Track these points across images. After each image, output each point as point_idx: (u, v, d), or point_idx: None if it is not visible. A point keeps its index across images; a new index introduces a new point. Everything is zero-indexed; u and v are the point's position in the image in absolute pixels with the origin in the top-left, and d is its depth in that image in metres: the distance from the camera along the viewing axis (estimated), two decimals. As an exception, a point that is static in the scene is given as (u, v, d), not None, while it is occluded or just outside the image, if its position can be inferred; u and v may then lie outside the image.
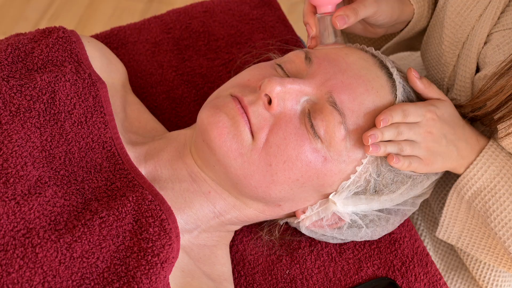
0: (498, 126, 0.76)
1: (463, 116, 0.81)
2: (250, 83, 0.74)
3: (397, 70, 0.77)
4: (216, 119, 0.70)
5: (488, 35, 0.78)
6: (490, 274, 0.93)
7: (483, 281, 0.94)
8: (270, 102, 0.71)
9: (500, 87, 0.71)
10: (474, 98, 0.77)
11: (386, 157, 0.72)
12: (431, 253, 1.01)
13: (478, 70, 0.81)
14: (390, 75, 0.76)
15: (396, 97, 0.74)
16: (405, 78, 0.78)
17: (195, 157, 0.76)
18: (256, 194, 0.73)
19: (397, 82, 0.75)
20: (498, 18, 0.77)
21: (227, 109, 0.71)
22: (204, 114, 0.72)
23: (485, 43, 0.78)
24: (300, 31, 1.86)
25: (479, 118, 0.79)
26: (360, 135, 0.71)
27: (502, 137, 0.76)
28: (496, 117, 0.75)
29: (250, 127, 0.71)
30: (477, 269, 0.94)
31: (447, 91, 0.88)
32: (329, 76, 0.72)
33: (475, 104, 0.77)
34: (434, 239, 1.01)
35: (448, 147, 0.75)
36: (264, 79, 0.71)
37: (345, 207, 0.75)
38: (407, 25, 0.90)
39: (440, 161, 0.75)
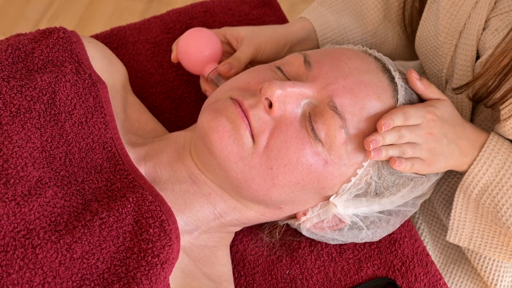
0: (500, 107, 0.76)
1: (468, 99, 0.81)
2: (250, 86, 0.74)
3: (399, 73, 0.77)
4: (217, 123, 0.70)
5: (486, 21, 0.78)
6: (492, 264, 0.93)
7: (485, 272, 0.93)
8: (270, 105, 0.70)
9: (499, 54, 0.71)
10: (474, 76, 0.77)
11: (387, 160, 0.72)
12: (429, 247, 1.01)
13: (477, 57, 0.81)
14: (392, 78, 0.75)
15: (397, 101, 0.74)
16: (407, 80, 0.78)
17: (195, 159, 0.76)
18: (257, 197, 0.73)
19: (398, 86, 0.75)
20: (495, 3, 0.77)
21: (227, 112, 0.71)
22: (204, 118, 0.72)
23: (484, 29, 0.78)
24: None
25: (482, 99, 0.78)
26: (361, 139, 0.71)
27: (506, 119, 0.76)
28: (497, 96, 0.75)
29: (251, 130, 0.70)
30: (479, 260, 0.94)
31: (445, 82, 0.88)
32: (330, 81, 0.72)
33: (477, 80, 0.77)
34: (432, 232, 1.01)
35: (450, 146, 0.75)
36: (264, 82, 0.71)
37: (345, 209, 0.75)
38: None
39: (443, 161, 0.75)
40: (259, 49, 0.87)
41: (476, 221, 0.83)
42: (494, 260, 0.93)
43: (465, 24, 0.81)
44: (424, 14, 0.89)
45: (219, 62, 0.87)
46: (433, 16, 0.86)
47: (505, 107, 0.75)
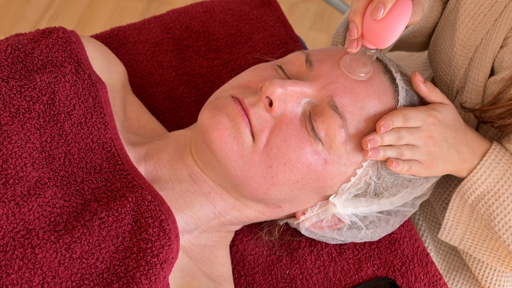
0: None
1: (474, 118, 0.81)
2: (251, 85, 0.74)
3: (400, 74, 0.77)
4: (217, 120, 0.70)
5: (504, 39, 0.77)
6: (493, 274, 0.93)
7: (486, 281, 0.94)
8: (271, 104, 0.70)
9: None
10: (486, 105, 0.77)
11: (385, 160, 0.72)
12: (432, 253, 1.01)
13: (491, 74, 0.81)
14: (393, 79, 0.75)
15: (398, 102, 0.74)
16: (409, 82, 0.77)
17: (195, 157, 0.76)
18: (256, 195, 0.73)
19: (399, 87, 0.75)
20: None
21: (227, 110, 0.71)
22: (204, 115, 0.72)
23: (501, 47, 0.78)
24: (300, 31, 1.85)
25: (491, 121, 0.79)
26: (361, 139, 0.71)
27: None
28: (509, 121, 0.75)
29: (251, 128, 0.70)
30: (480, 269, 0.94)
31: (456, 93, 0.88)
32: (331, 80, 0.72)
33: (485, 111, 0.77)
34: (436, 239, 1.01)
35: (449, 151, 0.75)
36: (265, 80, 0.71)
37: (345, 209, 0.75)
38: None
39: (441, 165, 0.75)
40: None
41: (469, 224, 0.83)
42: (494, 270, 0.93)
43: (482, 39, 0.81)
44: (440, 22, 0.88)
45: None
46: (450, 27, 0.85)
47: None
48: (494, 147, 0.78)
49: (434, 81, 0.98)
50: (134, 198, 0.68)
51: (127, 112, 0.84)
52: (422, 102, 0.78)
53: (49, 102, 0.72)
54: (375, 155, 0.70)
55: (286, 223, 0.83)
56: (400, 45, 0.98)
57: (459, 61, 0.84)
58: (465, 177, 0.79)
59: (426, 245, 1.01)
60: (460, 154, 0.76)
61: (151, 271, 0.64)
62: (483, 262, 0.93)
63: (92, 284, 0.62)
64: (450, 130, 0.75)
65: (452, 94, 0.88)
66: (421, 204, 1.02)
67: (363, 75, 0.72)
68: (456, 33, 0.83)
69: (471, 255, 0.94)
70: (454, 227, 0.85)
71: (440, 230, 0.86)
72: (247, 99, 0.71)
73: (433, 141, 0.73)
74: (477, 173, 0.78)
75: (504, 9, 0.77)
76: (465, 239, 0.85)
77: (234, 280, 0.80)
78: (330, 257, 0.82)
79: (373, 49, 0.70)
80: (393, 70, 0.77)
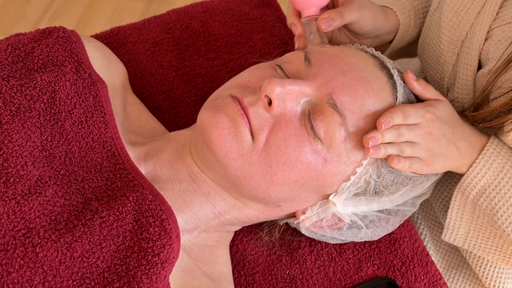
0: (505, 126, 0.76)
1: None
2: (250, 84, 0.74)
3: (397, 71, 0.77)
4: (216, 119, 0.70)
5: (488, 31, 0.78)
6: (493, 271, 0.93)
7: (486, 278, 0.94)
8: (270, 103, 0.71)
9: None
10: (470, 108, 0.78)
11: (386, 158, 0.72)
12: (432, 252, 1.01)
13: (479, 67, 0.81)
14: (390, 76, 0.76)
15: (396, 99, 0.74)
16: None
17: (195, 157, 0.76)
18: (256, 194, 0.73)
19: (397, 84, 0.75)
20: (497, 14, 0.77)
21: (227, 109, 0.71)
22: (204, 115, 0.72)
23: (486, 39, 0.79)
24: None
25: (481, 122, 0.79)
26: (360, 137, 0.71)
27: (508, 131, 0.76)
28: (502, 121, 0.76)
29: (250, 128, 0.71)
30: (480, 266, 0.94)
31: (447, 90, 0.88)
32: (329, 78, 0.72)
33: (477, 116, 0.78)
34: (435, 238, 1.01)
35: (448, 146, 0.75)
36: (264, 80, 0.71)
37: (345, 208, 0.75)
38: (395, 36, 0.91)
39: (441, 161, 0.76)
40: (361, 19, 0.82)
41: (472, 222, 0.83)
42: (495, 266, 0.93)
43: (467, 33, 0.81)
44: (426, 21, 0.89)
45: (320, 10, 0.83)
46: (436, 24, 0.86)
47: (508, 122, 0.75)
48: (492, 140, 0.79)
49: (426, 80, 0.98)
50: (135, 198, 0.68)
51: (127, 112, 0.85)
52: (418, 100, 0.78)
53: (49, 101, 0.72)
54: (376, 152, 0.70)
55: (286, 223, 0.83)
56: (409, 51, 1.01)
57: (446, 58, 0.85)
58: (465, 173, 0.79)
59: (425, 243, 1.01)
60: (459, 149, 0.76)
61: (152, 271, 0.64)
62: (484, 258, 0.93)
63: (93, 283, 0.62)
64: (448, 126, 0.75)
65: (443, 91, 0.89)
66: (420, 203, 1.02)
67: (319, 43, 0.82)
68: (441, 29, 0.84)
69: (471, 252, 0.94)
70: (457, 226, 0.85)
71: (444, 231, 0.86)
72: (246, 98, 0.72)
73: (432, 137, 0.73)
74: (477, 167, 0.78)
75: (486, 1, 0.78)
76: (469, 238, 0.85)
77: (234, 280, 0.80)
78: (330, 257, 0.82)
79: (313, 15, 0.81)
80: (390, 67, 0.77)
